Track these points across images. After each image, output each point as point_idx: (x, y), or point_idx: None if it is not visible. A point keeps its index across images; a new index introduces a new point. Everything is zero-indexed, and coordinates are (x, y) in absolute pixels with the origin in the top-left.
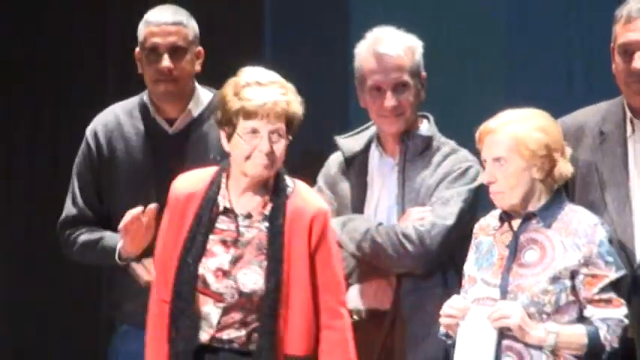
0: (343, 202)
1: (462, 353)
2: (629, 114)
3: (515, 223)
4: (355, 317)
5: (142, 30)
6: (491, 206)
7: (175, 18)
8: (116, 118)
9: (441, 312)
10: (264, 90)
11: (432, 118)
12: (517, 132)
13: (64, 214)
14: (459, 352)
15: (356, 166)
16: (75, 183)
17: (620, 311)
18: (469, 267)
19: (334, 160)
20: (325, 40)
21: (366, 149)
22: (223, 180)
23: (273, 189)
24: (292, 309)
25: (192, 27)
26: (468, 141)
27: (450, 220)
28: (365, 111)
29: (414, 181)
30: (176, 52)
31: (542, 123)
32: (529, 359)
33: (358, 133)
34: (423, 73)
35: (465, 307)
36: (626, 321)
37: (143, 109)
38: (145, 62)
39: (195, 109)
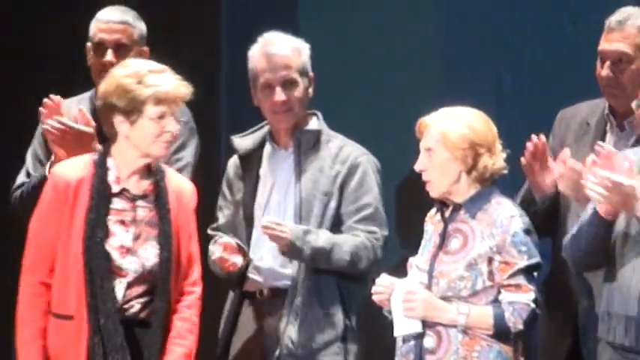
0: (236, 200)
1: (397, 325)
2: (606, 110)
3: (448, 212)
4: (259, 297)
5: (91, 26)
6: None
7: (123, 17)
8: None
9: (372, 290)
10: (164, 76)
11: (320, 114)
12: (445, 126)
13: (16, 183)
14: (395, 324)
15: (250, 163)
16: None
17: (527, 296)
18: (418, 253)
19: (231, 163)
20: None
21: (260, 146)
22: (110, 163)
23: (154, 171)
24: (185, 280)
25: (138, 27)
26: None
27: (386, 231)
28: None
29: (310, 172)
30: (120, 49)
31: (470, 120)
32: (446, 338)
33: (253, 132)
34: (311, 74)
35: (390, 284)
36: (533, 305)
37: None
38: (92, 56)
39: None
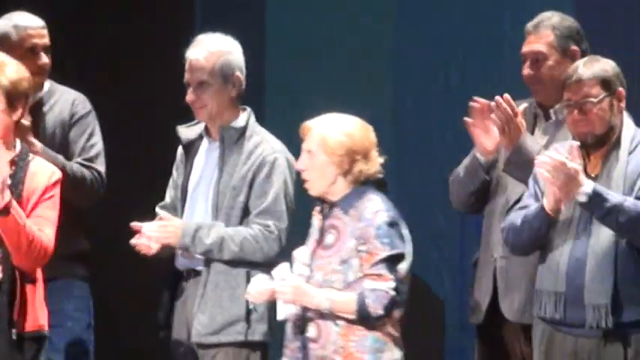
0: (177, 184)
1: (278, 309)
2: (534, 104)
3: (326, 210)
4: (185, 276)
5: (14, 31)
6: None
7: (43, 23)
8: None
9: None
10: (13, 68)
11: (250, 110)
12: (325, 132)
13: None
14: (277, 309)
15: (191, 151)
16: None
17: (387, 284)
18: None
19: (180, 149)
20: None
21: (201, 137)
22: None
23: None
24: None
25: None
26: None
27: (284, 224)
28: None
29: (229, 166)
30: (48, 51)
31: (349, 129)
32: (325, 328)
33: (197, 123)
34: (237, 74)
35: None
36: (393, 293)
37: None
38: (24, 59)
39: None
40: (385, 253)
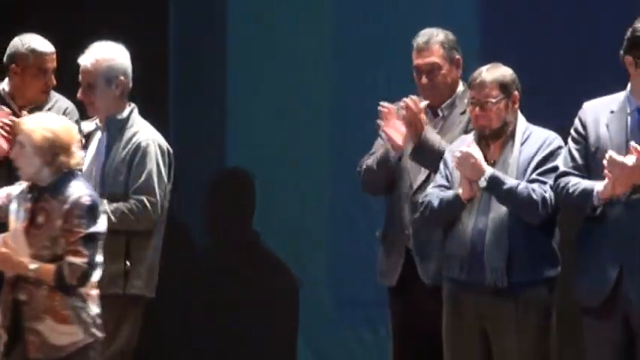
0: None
1: None
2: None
3: (36, 194)
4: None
5: (31, 55)
6: None
7: (54, 49)
8: None
9: None
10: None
11: (134, 105)
12: (33, 128)
13: None
14: None
15: (90, 140)
16: None
17: (82, 259)
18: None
19: (82, 140)
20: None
21: (97, 128)
22: None
23: None
24: None
25: None
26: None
27: (155, 198)
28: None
29: (113, 151)
30: (54, 72)
31: (53, 127)
32: (35, 293)
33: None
34: (120, 77)
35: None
36: (85, 267)
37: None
38: (35, 77)
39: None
40: (83, 231)
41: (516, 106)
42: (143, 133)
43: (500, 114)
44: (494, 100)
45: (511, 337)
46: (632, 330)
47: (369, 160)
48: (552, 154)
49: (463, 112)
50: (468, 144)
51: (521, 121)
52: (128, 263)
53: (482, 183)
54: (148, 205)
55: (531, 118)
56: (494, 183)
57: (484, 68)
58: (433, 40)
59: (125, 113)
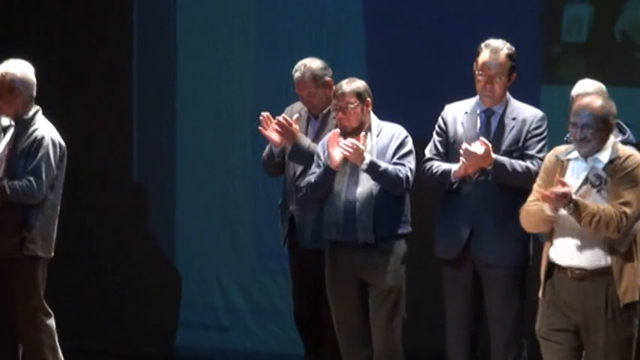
0: None
1: None
2: (306, 109)
3: None
4: None
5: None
6: None
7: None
8: None
9: None
10: None
11: (38, 108)
12: None
13: None
14: None
15: (6, 133)
16: None
17: None
18: None
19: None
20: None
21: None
22: None
23: None
24: None
25: None
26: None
27: (41, 179)
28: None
29: (19, 143)
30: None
31: None
32: None
33: None
34: (20, 89)
35: None
36: None
37: None
38: (3, 97)
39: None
40: None
41: (369, 108)
42: (41, 129)
43: (357, 116)
44: (352, 106)
45: (379, 278)
46: (478, 275)
47: (264, 153)
48: (403, 143)
49: (334, 117)
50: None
51: (374, 119)
52: (27, 232)
53: (364, 166)
54: (34, 184)
55: (407, 117)
56: (372, 166)
57: (344, 82)
58: (306, 76)
59: (30, 114)
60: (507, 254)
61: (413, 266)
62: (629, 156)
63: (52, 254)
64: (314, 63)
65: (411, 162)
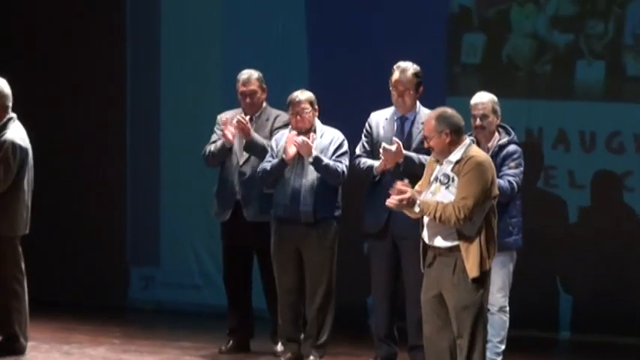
0: None
1: None
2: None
3: None
4: None
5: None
6: None
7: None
8: None
9: None
10: None
11: (13, 116)
12: None
13: None
14: None
15: None
16: None
17: None
18: None
19: None
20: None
21: None
22: None
23: None
24: None
25: None
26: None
27: (9, 167)
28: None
29: None
30: None
31: None
32: None
33: None
34: None
35: None
36: None
37: None
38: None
39: None
40: None
41: (316, 114)
42: (10, 134)
43: (310, 120)
44: (307, 111)
45: (313, 251)
46: (396, 245)
47: (212, 147)
48: (340, 145)
49: (267, 119)
50: (298, 137)
51: (318, 124)
52: None
53: (310, 159)
54: (1, 171)
55: (341, 120)
56: (317, 160)
57: (298, 92)
58: (253, 78)
59: (3, 122)
60: (418, 229)
61: (342, 239)
62: (471, 157)
63: (22, 232)
64: (258, 72)
65: (346, 160)
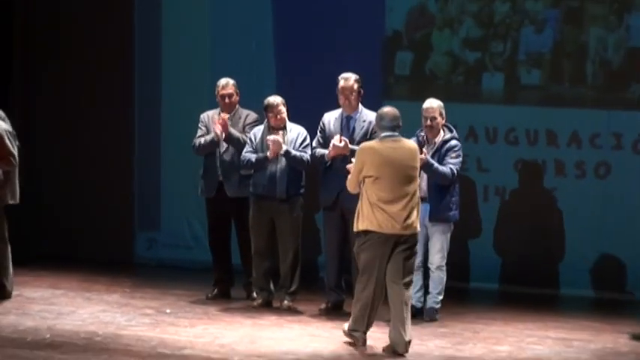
0: None
1: None
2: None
3: None
4: None
5: None
6: None
7: None
8: None
9: None
10: None
11: (2, 114)
12: None
13: None
14: None
15: None
16: None
17: None
18: None
19: None
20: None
21: None
22: None
23: None
24: None
25: None
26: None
27: None
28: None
29: None
30: None
31: None
32: None
33: None
34: None
35: None
36: None
37: None
38: None
39: None
40: None
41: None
42: None
43: (284, 119)
44: (284, 113)
45: (285, 220)
46: (345, 217)
47: (201, 140)
48: (305, 139)
49: (240, 117)
50: (275, 133)
51: (287, 121)
52: None
53: (282, 152)
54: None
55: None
56: (287, 153)
57: (272, 97)
58: (230, 83)
59: None
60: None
61: (305, 211)
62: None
63: (7, 202)
64: (232, 80)
65: (309, 150)
